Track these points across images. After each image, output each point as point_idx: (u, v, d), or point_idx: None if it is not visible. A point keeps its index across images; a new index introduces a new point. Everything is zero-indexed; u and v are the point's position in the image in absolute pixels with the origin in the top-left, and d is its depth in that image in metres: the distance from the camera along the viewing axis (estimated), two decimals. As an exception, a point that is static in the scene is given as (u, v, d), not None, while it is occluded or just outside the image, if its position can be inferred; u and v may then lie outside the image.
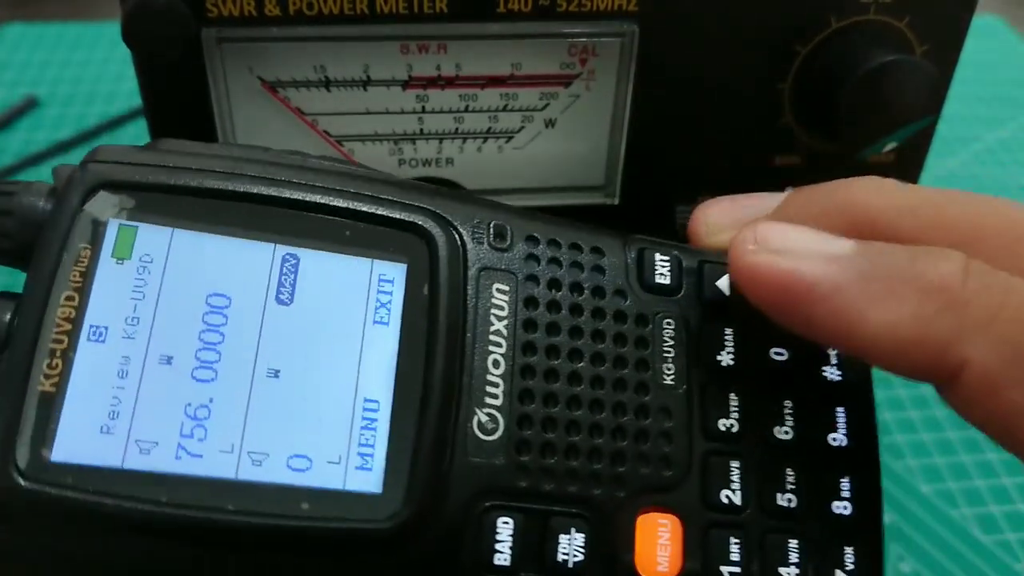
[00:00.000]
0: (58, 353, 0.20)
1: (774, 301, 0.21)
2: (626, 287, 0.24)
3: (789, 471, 0.23)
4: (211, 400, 0.20)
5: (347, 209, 0.22)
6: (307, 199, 0.22)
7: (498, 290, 0.23)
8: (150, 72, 0.29)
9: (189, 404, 0.20)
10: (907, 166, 0.34)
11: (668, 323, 0.24)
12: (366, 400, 0.21)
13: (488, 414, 0.22)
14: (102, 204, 0.21)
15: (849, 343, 0.21)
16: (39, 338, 0.20)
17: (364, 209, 0.22)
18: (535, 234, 0.24)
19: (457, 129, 0.32)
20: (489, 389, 0.22)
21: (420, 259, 0.22)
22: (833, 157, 0.33)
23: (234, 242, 0.22)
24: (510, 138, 0.32)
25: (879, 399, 0.36)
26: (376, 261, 0.22)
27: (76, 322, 0.20)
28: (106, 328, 0.20)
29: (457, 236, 0.23)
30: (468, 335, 0.22)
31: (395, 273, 0.22)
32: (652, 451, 0.22)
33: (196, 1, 0.27)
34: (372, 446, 0.21)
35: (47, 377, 0.20)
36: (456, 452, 0.21)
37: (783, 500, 0.22)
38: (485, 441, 0.21)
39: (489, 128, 0.32)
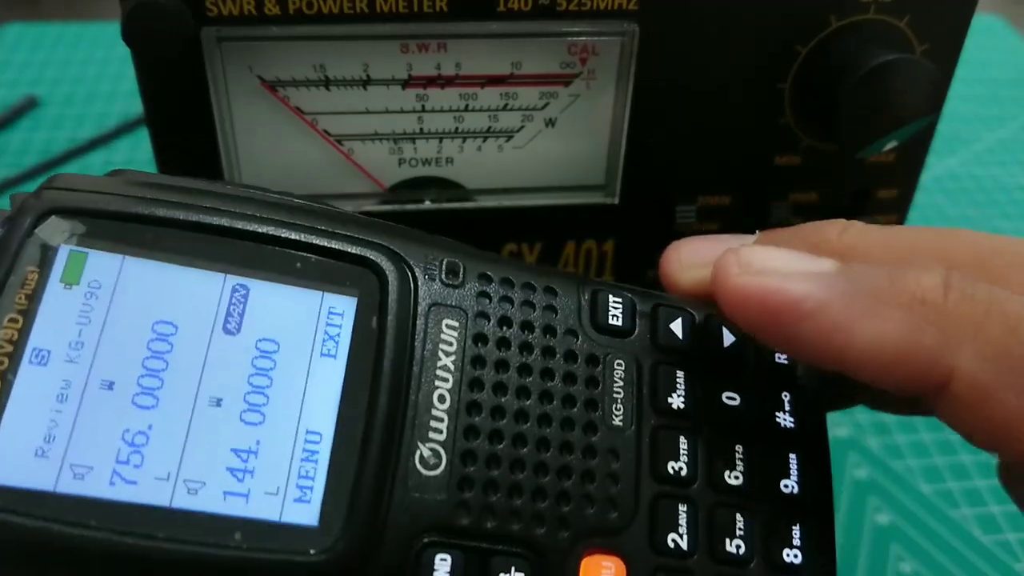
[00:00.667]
0: None
1: (760, 321, 0.21)
2: (577, 327, 0.24)
3: (739, 517, 0.22)
4: (150, 427, 0.20)
5: (299, 241, 0.22)
6: (259, 230, 0.22)
7: (447, 326, 0.22)
8: (150, 71, 0.29)
9: (127, 430, 0.20)
10: (907, 166, 0.34)
11: (619, 364, 0.23)
12: (308, 432, 0.21)
13: (431, 449, 0.21)
14: (52, 229, 0.21)
15: (836, 360, 0.21)
16: None
17: (316, 242, 0.22)
18: (488, 272, 0.23)
19: (457, 128, 0.32)
20: (433, 424, 0.21)
21: (371, 293, 0.22)
22: (833, 157, 0.33)
23: (184, 271, 0.22)
24: (510, 137, 0.32)
25: (879, 399, 0.35)
26: (327, 294, 0.22)
27: (18, 344, 0.20)
28: (49, 352, 0.20)
29: (409, 272, 0.23)
30: (415, 369, 0.22)
31: (345, 306, 0.22)
32: (598, 492, 0.22)
33: (196, 0, 0.27)
34: (312, 478, 0.20)
35: None
36: (397, 487, 0.21)
37: (732, 547, 0.22)
38: (427, 476, 0.21)
39: (489, 127, 0.32)
